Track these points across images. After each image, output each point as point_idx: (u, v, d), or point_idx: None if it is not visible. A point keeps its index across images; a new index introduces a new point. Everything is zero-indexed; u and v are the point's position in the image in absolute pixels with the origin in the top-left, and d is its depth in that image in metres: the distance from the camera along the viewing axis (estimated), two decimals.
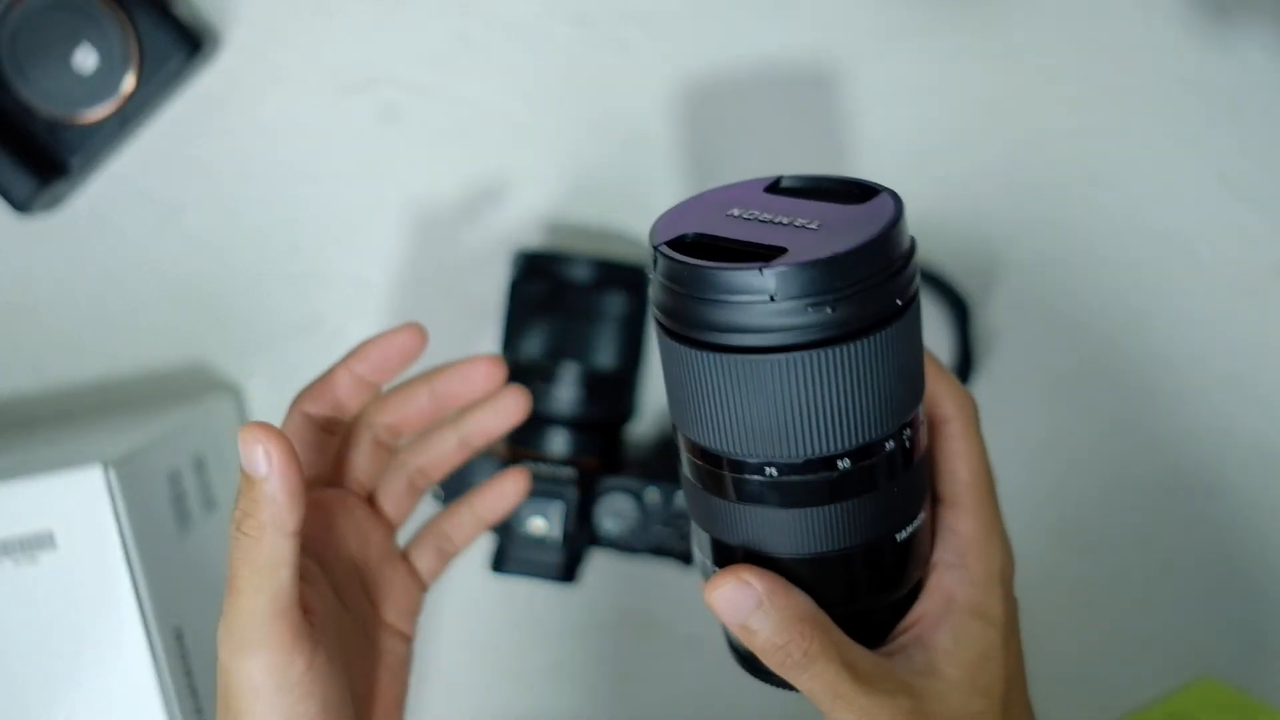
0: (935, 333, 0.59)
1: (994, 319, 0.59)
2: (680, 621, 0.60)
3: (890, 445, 0.35)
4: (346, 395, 0.43)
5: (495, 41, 0.57)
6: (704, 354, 0.33)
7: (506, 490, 0.48)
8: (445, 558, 0.48)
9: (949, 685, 0.37)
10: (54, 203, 0.56)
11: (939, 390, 0.40)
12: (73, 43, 0.53)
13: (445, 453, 0.47)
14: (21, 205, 0.54)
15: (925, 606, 0.38)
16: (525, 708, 0.61)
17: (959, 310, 0.57)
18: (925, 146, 0.58)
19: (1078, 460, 0.60)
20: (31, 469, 0.46)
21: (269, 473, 0.36)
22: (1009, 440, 0.60)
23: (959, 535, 0.39)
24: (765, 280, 0.32)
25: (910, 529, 0.37)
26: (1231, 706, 0.58)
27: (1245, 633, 0.61)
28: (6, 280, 0.58)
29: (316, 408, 0.43)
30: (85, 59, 0.54)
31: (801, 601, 0.36)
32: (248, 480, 0.36)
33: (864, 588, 0.37)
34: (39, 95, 0.54)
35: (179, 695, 0.47)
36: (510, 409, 0.47)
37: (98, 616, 0.46)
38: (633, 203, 0.58)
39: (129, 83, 0.54)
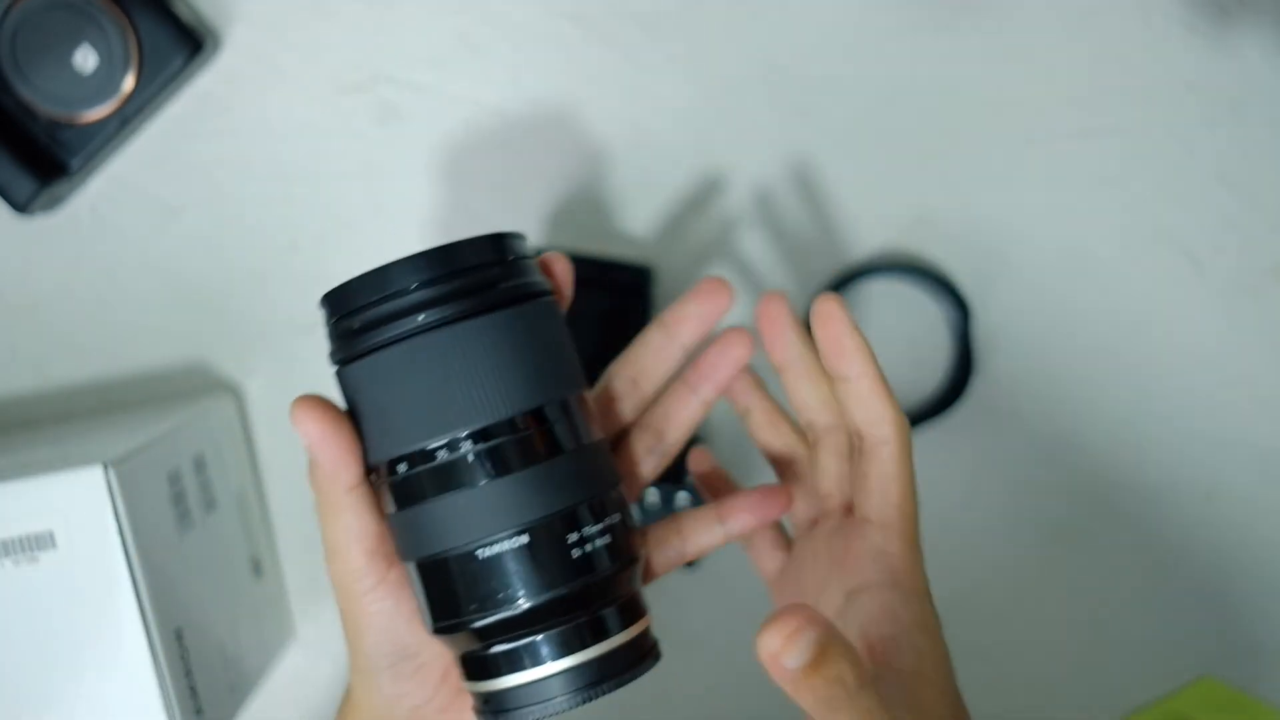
0: (935, 333, 0.59)
1: (994, 319, 0.59)
2: (680, 623, 0.60)
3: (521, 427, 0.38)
4: None
5: (495, 41, 0.57)
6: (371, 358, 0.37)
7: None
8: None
9: (920, 694, 0.37)
10: (54, 203, 0.56)
11: (878, 411, 0.40)
12: (73, 43, 0.53)
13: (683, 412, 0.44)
14: (21, 205, 0.54)
15: (878, 630, 0.39)
16: None
17: (959, 311, 0.57)
18: (925, 147, 0.58)
19: (1077, 460, 0.60)
20: (32, 469, 0.46)
21: (310, 445, 0.39)
22: (1009, 441, 0.60)
23: (891, 556, 0.40)
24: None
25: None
26: (1231, 706, 0.58)
27: (1245, 633, 0.61)
28: (6, 280, 0.58)
29: None
30: (85, 59, 0.54)
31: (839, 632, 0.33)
32: None
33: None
34: (39, 95, 0.54)
35: (179, 695, 0.47)
36: (735, 346, 0.43)
37: (98, 616, 0.46)
38: (633, 202, 0.58)
39: (129, 83, 0.54)
